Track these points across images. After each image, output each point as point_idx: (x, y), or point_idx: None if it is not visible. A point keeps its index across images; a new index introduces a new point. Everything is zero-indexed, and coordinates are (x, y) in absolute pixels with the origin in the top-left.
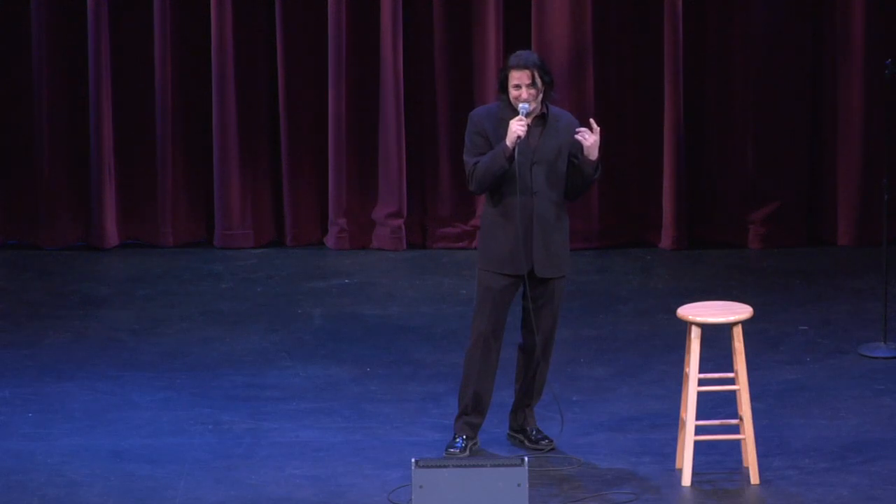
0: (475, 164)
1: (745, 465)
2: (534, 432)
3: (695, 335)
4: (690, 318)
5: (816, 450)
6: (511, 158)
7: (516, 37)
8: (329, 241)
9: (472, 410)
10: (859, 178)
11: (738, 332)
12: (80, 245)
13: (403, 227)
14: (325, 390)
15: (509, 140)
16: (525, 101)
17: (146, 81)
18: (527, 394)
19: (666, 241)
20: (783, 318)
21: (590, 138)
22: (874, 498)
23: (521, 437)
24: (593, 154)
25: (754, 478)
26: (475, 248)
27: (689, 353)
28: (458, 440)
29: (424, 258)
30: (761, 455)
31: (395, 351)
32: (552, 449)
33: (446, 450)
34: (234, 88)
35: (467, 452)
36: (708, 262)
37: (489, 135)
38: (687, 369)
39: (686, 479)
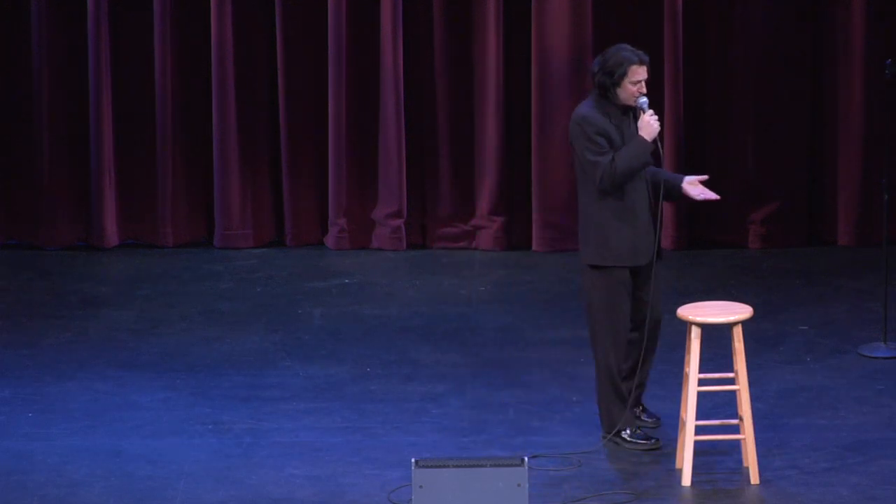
0: (610, 161)
1: (745, 465)
2: (645, 413)
3: (695, 335)
4: (690, 318)
5: (816, 450)
6: (655, 153)
7: (516, 37)
8: (329, 241)
9: (622, 403)
10: (859, 178)
11: (738, 332)
12: (80, 245)
13: (403, 227)
14: (325, 390)
15: (649, 135)
16: (643, 94)
17: (146, 81)
18: (643, 380)
19: (666, 241)
20: (783, 318)
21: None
22: (874, 498)
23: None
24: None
25: (754, 478)
26: (475, 249)
27: (689, 353)
28: (638, 431)
29: (424, 258)
30: (761, 455)
31: (395, 351)
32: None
33: (636, 442)
34: (234, 88)
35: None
36: (708, 262)
37: (611, 133)
38: (687, 369)
39: (686, 479)
